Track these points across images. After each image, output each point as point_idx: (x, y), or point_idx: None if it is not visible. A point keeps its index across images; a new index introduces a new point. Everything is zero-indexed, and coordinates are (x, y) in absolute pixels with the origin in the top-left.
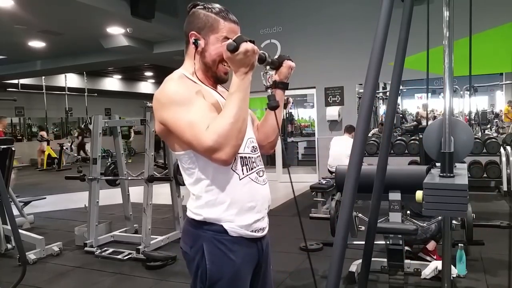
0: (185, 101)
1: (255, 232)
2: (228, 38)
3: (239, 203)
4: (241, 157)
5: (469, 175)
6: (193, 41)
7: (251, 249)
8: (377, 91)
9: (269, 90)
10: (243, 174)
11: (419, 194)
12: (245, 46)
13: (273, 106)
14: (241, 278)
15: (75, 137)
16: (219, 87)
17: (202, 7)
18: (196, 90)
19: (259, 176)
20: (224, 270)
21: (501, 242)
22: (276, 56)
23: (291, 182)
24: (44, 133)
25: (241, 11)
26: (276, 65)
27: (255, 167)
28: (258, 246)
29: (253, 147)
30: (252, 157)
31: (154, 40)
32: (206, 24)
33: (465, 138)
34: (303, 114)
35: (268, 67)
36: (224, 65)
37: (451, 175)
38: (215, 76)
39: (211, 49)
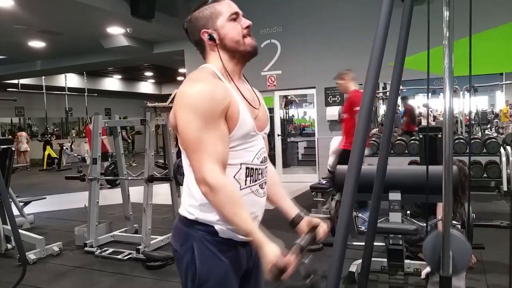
0: (205, 116)
1: (245, 236)
2: (232, 13)
3: None
4: (247, 168)
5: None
6: (208, 37)
7: (241, 251)
8: (377, 91)
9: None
10: (245, 184)
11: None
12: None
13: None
14: (231, 279)
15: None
16: (243, 84)
17: (192, 12)
18: (221, 105)
19: (260, 189)
20: (214, 271)
21: (501, 242)
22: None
23: None
24: (23, 134)
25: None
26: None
27: (259, 179)
28: (247, 249)
29: (264, 157)
30: (259, 169)
31: (154, 40)
32: (207, 17)
33: (462, 251)
34: (303, 114)
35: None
36: (249, 37)
37: None
38: (246, 54)
39: (225, 32)
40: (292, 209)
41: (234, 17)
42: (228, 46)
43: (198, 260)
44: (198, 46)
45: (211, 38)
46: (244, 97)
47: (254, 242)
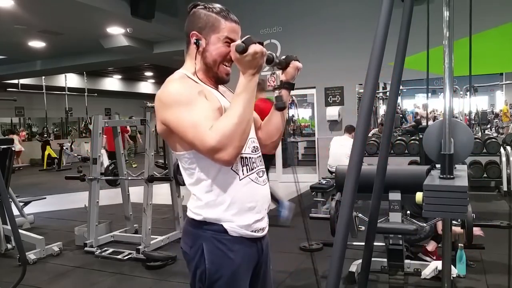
0: (187, 101)
1: (255, 232)
2: (229, 38)
3: (239, 204)
4: (241, 157)
5: (472, 173)
6: (195, 41)
7: (251, 249)
8: (377, 91)
9: (276, 91)
10: (243, 174)
11: (419, 196)
12: (254, 48)
13: (280, 107)
14: (240, 278)
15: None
16: (221, 87)
17: (203, 7)
18: (198, 90)
19: (259, 177)
20: (223, 269)
21: (501, 242)
22: (283, 57)
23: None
24: (14, 137)
25: (241, 11)
26: (283, 66)
27: (255, 168)
28: (258, 246)
29: (254, 147)
30: (252, 158)
31: (154, 40)
32: (207, 24)
33: (465, 139)
34: (303, 114)
35: (275, 67)
36: (226, 66)
37: (451, 176)
38: (216, 77)
39: (212, 49)
40: None
41: (229, 42)
42: (206, 60)
43: (207, 260)
44: (186, 39)
45: (197, 43)
46: (220, 93)
47: (244, 85)
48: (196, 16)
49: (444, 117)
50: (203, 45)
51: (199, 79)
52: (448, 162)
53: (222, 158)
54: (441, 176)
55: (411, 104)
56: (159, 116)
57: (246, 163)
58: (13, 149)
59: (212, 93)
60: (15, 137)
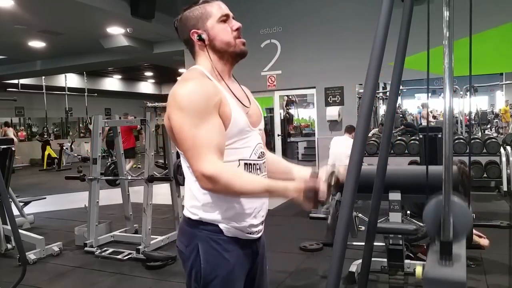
0: (198, 112)
1: (250, 234)
2: (222, 15)
3: (236, 209)
4: (245, 164)
5: (472, 173)
6: (198, 37)
7: (246, 250)
8: (377, 91)
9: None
10: None
11: (418, 271)
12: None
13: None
14: (236, 278)
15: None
16: (232, 83)
17: (183, 11)
18: (213, 101)
19: None
20: (219, 269)
21: (501, 242)
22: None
23: None
24: (9, 130)
25: (241, 11)
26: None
27: (258, 175)
28: (253, 247)
29: (261, 153)
30: (257, 164)
31: (154, 40)
32: (197, 17)
33: (463, 219)
34: (303, 114)
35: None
36: (238, 38)
37: (450, 262)
38: (235, 54)
39: (216, 33)
40: (305, 169)
41: (224, 19)
42: (218, 47)
43: (203, 260)
44: (188, 45)
45: (201, 38)
46: (234, 95)
47: (278, 192)
48: (184, 20)
49: (445, 198)
50: (206, 37)
51: (218, 73)
52: (447, 249)
53: (204, 186)
54: (440, 261)
55: (411, 104)
56: (168, 111)
57: (250, 169)
58: (13, 149)
59: (226, 98)
60: (10, 130)
